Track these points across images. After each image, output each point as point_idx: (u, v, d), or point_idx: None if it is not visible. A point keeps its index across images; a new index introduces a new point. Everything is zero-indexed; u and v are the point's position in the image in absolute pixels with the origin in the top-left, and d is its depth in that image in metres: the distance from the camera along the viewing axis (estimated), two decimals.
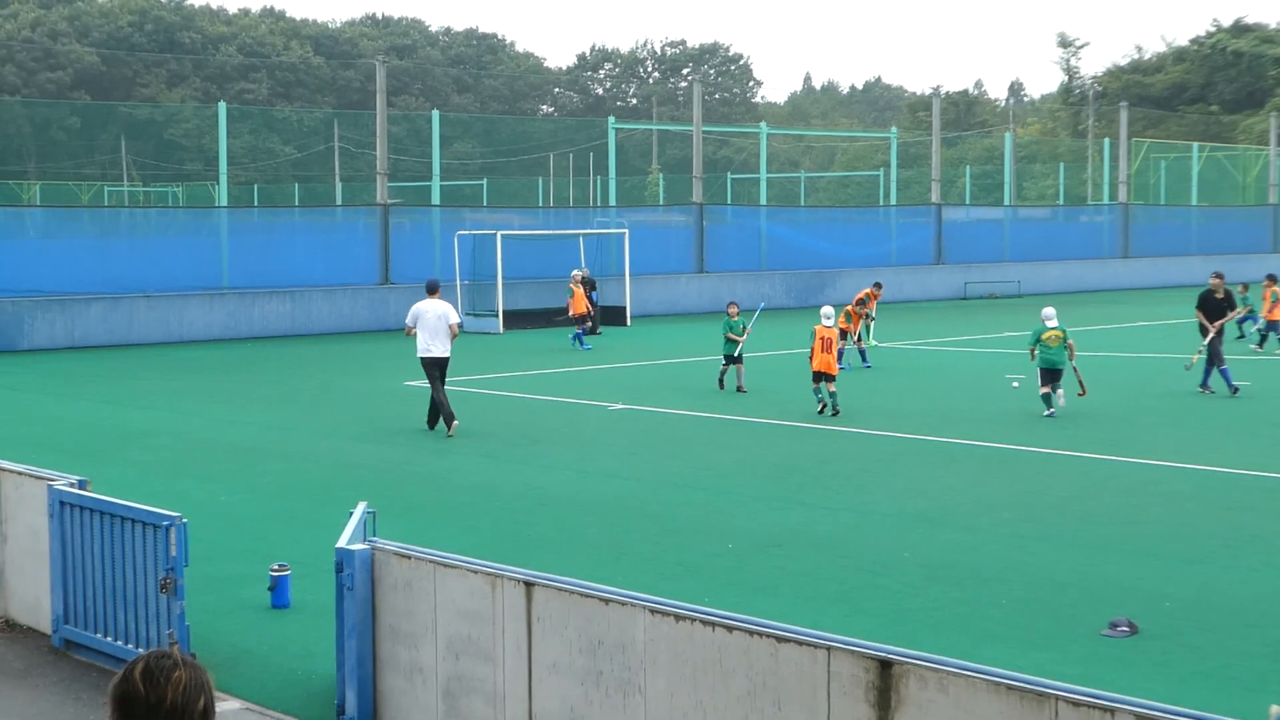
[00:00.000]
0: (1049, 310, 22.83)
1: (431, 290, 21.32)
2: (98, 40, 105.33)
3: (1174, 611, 11.14)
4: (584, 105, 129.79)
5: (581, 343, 34.23)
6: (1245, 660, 9.99)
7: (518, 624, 7.91)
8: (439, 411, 20.86)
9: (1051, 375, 21.99)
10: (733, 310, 26.09)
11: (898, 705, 6.33)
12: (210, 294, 37.95)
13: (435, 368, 20.81)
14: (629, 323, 41.60)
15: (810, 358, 22.65)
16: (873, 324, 30.91)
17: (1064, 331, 22.18)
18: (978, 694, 6.08)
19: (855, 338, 29.47)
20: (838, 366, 22.92)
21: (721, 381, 25.71)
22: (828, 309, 23.71)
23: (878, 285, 31.83)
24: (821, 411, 22.41)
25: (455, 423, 20.58)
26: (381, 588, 8.73)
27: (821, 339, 22.48)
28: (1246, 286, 34.42)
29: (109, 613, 10.28)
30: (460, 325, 21.39)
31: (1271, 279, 32.04)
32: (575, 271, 37.17)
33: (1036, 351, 22.22)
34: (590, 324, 35.90)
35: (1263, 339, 32.59)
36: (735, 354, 25.50)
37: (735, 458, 18.54)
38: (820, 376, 22.49)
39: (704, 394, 25.16)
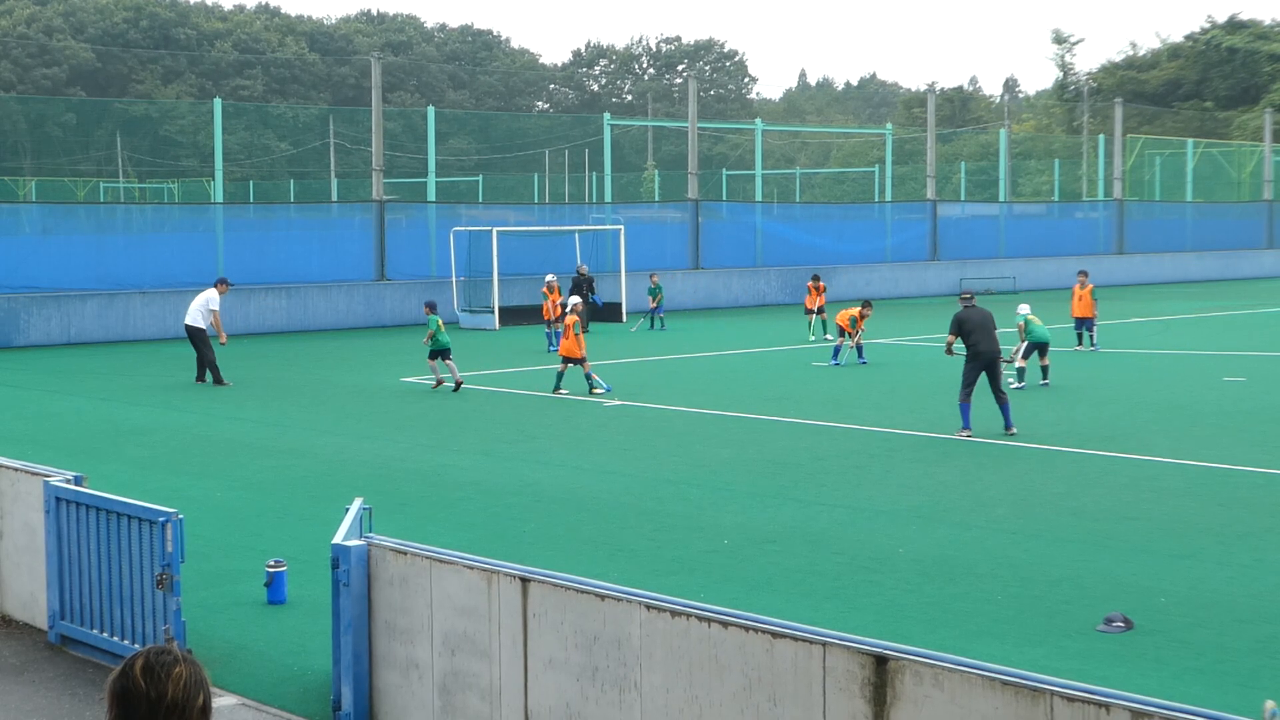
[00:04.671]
0: (1025, 307, 26.19)
1: (215, 284, 28.04)
2: (93, 36, 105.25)
3: (1167, 607, 11.18)
4: (579, 102, 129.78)
5: (550, 343, 33.60)
6: (1238, 656, 10.02)
7: (513, 620, 7.92)
8: (204, 370, 26.79)
9: (1041, 348, 25.28)
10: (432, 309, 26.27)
11: (893, 701, 6.35)
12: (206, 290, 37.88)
13: (188, 333, 27.25)
14: (624, 319, 41.61)
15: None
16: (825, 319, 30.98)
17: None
18: (973, 690, 6.11)
19: (855, 336, 29.50)
20: (581, 351, 24.91)
21: (449, 378, 25.63)
22: (574, 299, 27.25)
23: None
24: (555, 392, 24.74)
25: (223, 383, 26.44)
26: (377, 584, 8.75)
27: (568, 326, 24.98)
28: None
29: (105, 609, 10.29)
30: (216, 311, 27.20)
31: (1083, 274, 32.02)
32: (549, 276, 36.82)
33: (1026, 329, 25.26)
34: (556, 327, 34.83)
35: (1079, 337, 32.06)
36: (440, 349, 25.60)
37: (730, 454, 18.56)
38: (567, 360, 24.88)
39: (699, 390, 25.19)
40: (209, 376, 26.61)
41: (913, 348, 33.29)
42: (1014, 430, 19.77)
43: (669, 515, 14.84)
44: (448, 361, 25.54)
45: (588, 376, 24.81)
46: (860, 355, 29.60)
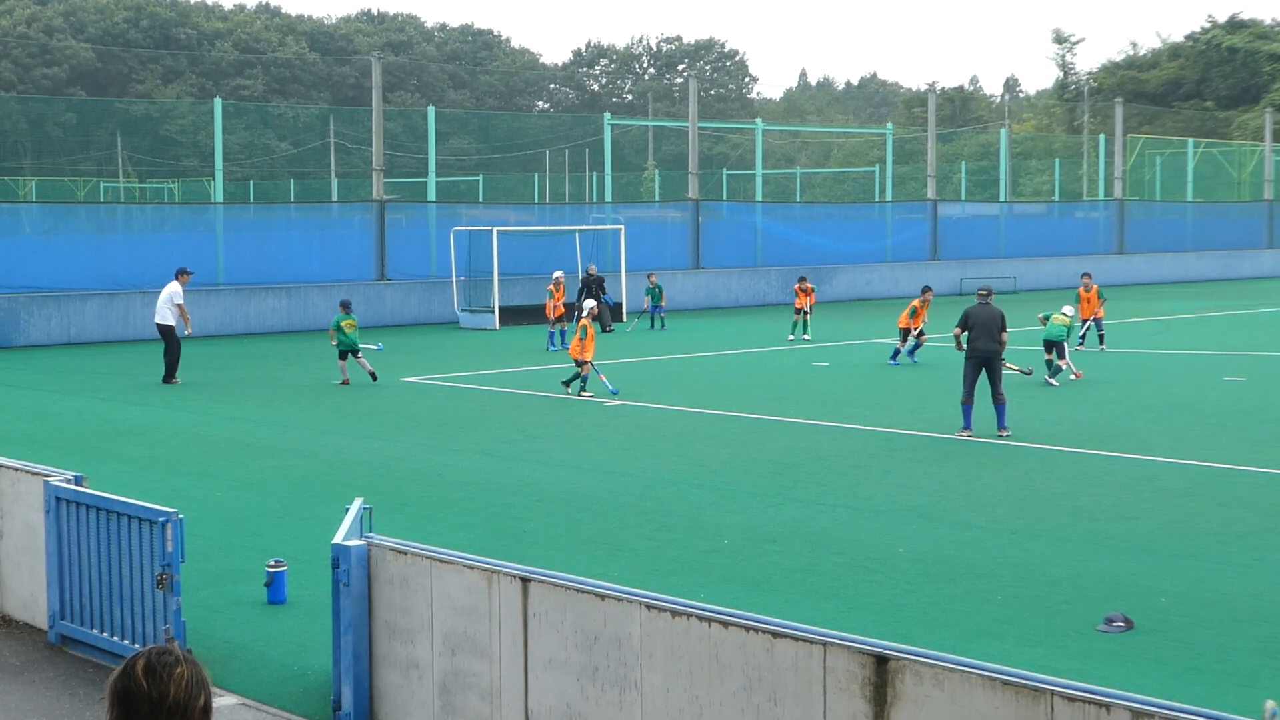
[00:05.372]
0: (1069, 309, 27.22)
1: (176, 275, 27.62)
2: (93, 36, 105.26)
3: (1168, 607, 11.18)
4: (580, 101, 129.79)
5: (548, 342, 33.72)
6: (1238, 656, 10.02)
7: (514, 620, 7.93)
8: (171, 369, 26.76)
9: (1058, 347, 26.00)
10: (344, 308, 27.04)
11: (894, 701, 6.36)
12: (206, 290, 37.88)
13: (159, 332, 27.08)
14: (625, 319, 41.61)
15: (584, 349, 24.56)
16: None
17: (1070, 320, 26.88)
18: (973, 689, 6.11)
19: (917, 332, 29.38)
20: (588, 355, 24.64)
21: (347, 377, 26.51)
22: (590, 303, 26.54)
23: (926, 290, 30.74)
24: (568, 388, 24.67)
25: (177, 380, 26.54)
26: (378, 584, 8.75)
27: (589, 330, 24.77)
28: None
29: (105, 609, 10.29)
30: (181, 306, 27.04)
31: (1087, 276, 31.82)
32: (557, 273, 36.93)
33: (1047, 324, 26.45)
34: (559, 326, 35.09)
35: (1083, 338, 31.77)
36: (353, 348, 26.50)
37: (730, 454, 18.56)
38: (579, 362, 24.64)
39: (700, 390, 25.18)
40: (171, 376, 26.65)
41: None
42: (1006, 432, 19.72)
43: (669, 515, 14.85)
44: (358, 359, 26.27)
45: (584, 379, 24.56)
46: (911, 355, 29.46)
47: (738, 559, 12.89)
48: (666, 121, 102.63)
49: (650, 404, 23.59)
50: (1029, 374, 24.95)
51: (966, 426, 19.84)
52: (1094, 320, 31.52)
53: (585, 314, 25.47)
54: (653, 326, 39.40)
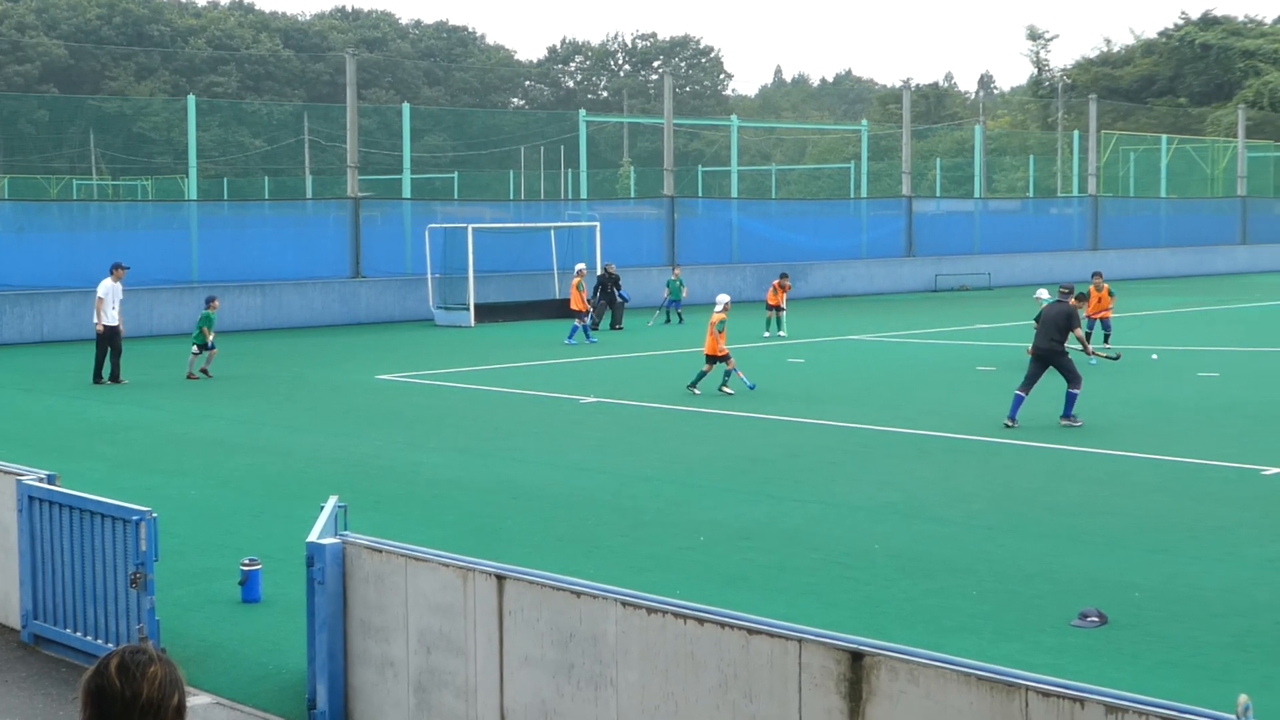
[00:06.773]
0: (1043, 291, 27.23)
1: (111, 270, 26.78)
2: (66, 33, 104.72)
3: (1142, 602, 11.22)
4: (555, 98, 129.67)
5: (584, 336, 33.86)
6: (1211, 650, 10.07)
7: (489, 617, 7.92)
8: (115, 367, 26.37)
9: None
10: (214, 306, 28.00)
11: (869, 697, 6.36)
12: (180, 288, 37.77)
13: (106, 333, 26.29)
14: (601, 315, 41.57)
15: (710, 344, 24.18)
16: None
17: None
18: (948, 685, 6.12)
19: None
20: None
21: (193, 371, 27.18)
22: (724, 297, 25.30)
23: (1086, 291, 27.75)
24: (689, 388, 24.15)
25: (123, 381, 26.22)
26: (353, 582, 8.73)
27: (711, 324, 24.21)
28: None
29: (78, 608, 10.24)
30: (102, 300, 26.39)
31: (1098, 276, 31.72)
32: (579, 265, 37.05)
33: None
34: (591, 320, 35.43)
35: (1088, 334, 31.51)
36: (206, 344, 27.27)
37: (705, 451, 18.57)
38: (711, 360, 24.19)
39: (675, 388, 25.17)
40: (122, 375, 26.37)
41: (888, 344, 33.35)
42: (1069, 423, 20.09)
43: (644, 512, 14.84)
44: (209, 352, 27.20)
45: (728, 373, 24.18)
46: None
47: (713, 556, 12.90)
48: (642, 118, 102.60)
49: (626, 401, 23.58)
50: (1117, 359, 25.06)
51: (1011, 416, 20.15)
52: (1100, 319, 31.10)
53: (721, 308, 24.70)
54: (669, 321, 39.49)
